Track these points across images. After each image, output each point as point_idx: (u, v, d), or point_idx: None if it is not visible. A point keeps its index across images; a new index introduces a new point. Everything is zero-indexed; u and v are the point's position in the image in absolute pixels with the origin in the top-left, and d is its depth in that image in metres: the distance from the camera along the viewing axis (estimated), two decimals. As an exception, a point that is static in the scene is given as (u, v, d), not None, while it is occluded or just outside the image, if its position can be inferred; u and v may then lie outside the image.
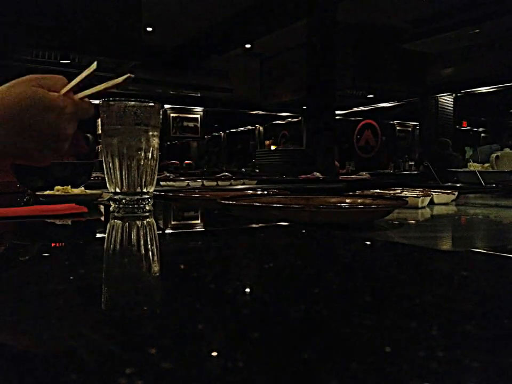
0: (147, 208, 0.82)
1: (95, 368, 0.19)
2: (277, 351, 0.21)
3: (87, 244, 0.56)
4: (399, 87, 7.43)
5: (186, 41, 7.72)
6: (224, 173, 3.14)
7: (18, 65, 4.05)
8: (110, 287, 0.34)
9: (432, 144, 7.13)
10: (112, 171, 0.81)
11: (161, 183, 2.18)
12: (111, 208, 0.82)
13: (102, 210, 0.96)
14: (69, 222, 0.76)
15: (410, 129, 11.00)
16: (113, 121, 0.79)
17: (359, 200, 0.88)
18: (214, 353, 0.20)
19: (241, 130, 12.52)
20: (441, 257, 0.47)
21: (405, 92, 7.73)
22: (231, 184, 2.29)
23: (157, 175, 0.87)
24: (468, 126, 10.73)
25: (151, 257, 0.45)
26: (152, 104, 0.82)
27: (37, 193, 1.01)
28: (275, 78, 8.10)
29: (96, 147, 6.60)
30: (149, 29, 6.85)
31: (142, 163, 0.80)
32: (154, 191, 0.86)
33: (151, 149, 0.81)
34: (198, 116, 10.24)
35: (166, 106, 9.65)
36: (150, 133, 0.81)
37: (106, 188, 0.83)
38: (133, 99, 0.80)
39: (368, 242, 0.52)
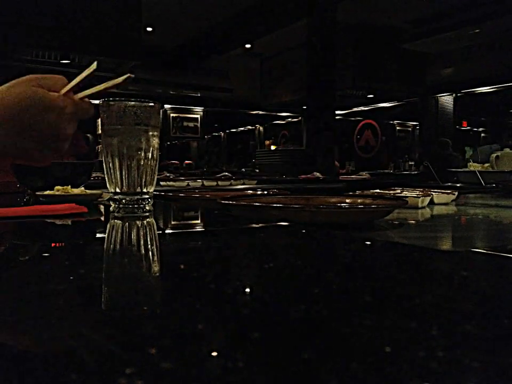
0: (147, 208, 0.82)
1: (95, 368, 0.19)
2: (277, 351, 0.21)
3: (87, 244, 0.56)
4: (399, 87, 7.43)
5: (186, 41, 7.72)
6: (224, 173, 3.14)
7: (18, 65, 4.05)
8: (110, 287, 0.34)
9: (432, 144, 7.13)
10: (112, 171, 0.81)
11: (161, 183, 2.18)
12: (111, 208, 0.82)
13: (102, 210, 0.96)
14: (69, 222, 0.76)
15: (410, 129, 11.00)
16: (113, 121, 0.79)
17: (359, 200, 0.88)
18: (214, 353, 0.20)
19: (241, 130, 12.52)
20: (441, 257, 0.47)
21: (405, 92, 7.74)
22: (231, 184, 2.29)
23: (157, 175, 0.87)
24: (468, 126, 10.73)
25: (151, 257, 0.45)
26: (152, 104, 0.82)
27: (37, 193, 1.01)
28: (275, 78, 8.10)
29: (96, 147, 6.60)
30: (149, 29, 6.85)
31: (142, 163, 0.80)
32: (154, 191, 0.86)
33: (151, 149, 0.82)
34: (198, 116, 10.24)
35: (166, 106, 9.65)
36: (150, 133, 0.81)
37: (106, 187, 0.83)
38: (133, 99, 0.80)
39: (368, 242, 0.52)
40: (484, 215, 1.06)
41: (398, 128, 10.80)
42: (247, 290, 0.32)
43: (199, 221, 0.84)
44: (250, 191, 1.26)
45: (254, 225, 0.72)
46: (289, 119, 11.15)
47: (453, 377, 0.18)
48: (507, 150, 2.15)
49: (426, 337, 0.22)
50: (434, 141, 6.91)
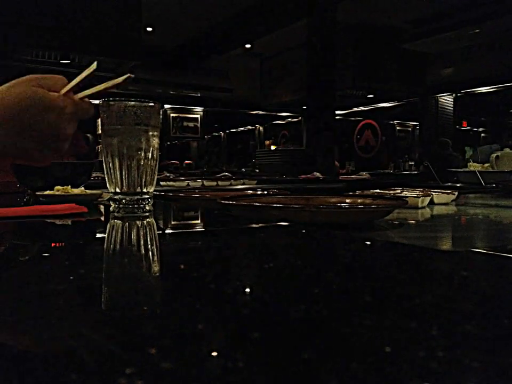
0: (147, 208, 0.82)
1: (95, 368, 0.19)
2: (277, 351, 0.21)
3: (87, 244, 0.56)
4: (399, 87, 7.43)
5: (186, 41, 7.72)
6: (224, 173, 3.14)
7: (18, 65, 4.05)
8: (110, 287, 0.34)
9: (432, 144, 7.13)
10: (112, 171, 0.81)
11: (161, 183, 2.18)
12: (111, 208, 0.82)
13: (102, 210, 0.96)
14: (69, 222, 0.76)
15: (410, 129, 11.00)
16: (113, 121, 0.79)
17: (359, 200, 0.88)
18: (214, 353, 0.20)
19: (241, 130, 12.52)
20: (441, 257, 0.47)
21: (405, 92, 7.74)
22: (231, 184, 2.29)
23: (157, 175, 0.87)
24: (468, 126, 10.73)
25: (151, 257, 0.45)
26: (152, 104, 0.82)
27: (37, 193, 1.01)
28: (275, 78, 8.10)
29: (96, 147, 6.60)
30: (149, 29, 6.85)
31: (142, 163, 0.80)
32: (154, 191, 0.86)
33: (151, 149, 0.82)
34: (198, 116, 10.24)
35: (166, 106, 9.66)
36: (150, 133, 0.81)
37: (106, 187, 0.83)
38: (133, 99, 0.80)
39: (368, 242, 0.52)
40: (484, 215, 1.06)
41: (398, 128, 10.80)
42: (247, 290, 0.32)
43: (199, 221, 0.84)
44: (250, 191, 1.26)
45: (254, 225, 0.72)
46: (289, 119, 11.15)
47: (453, 377, 0.18)
48: (507, 150, 2.15)
49: (426, 337, 0.22)
50: (434, 141, 6.91)
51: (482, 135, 11.25)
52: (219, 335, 0.23)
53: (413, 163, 7.61)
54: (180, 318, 0.26)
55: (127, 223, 0.72)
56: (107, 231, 0.67)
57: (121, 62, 4.30)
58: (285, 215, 0.72)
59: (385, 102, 9.16)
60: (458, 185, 1.91)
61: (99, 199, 1.06)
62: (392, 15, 6.31)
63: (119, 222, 0.74)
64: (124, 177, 0.80)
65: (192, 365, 0.19)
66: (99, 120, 0.85)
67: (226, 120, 11.68)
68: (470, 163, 2.11)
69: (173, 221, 0.85)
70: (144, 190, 0.82)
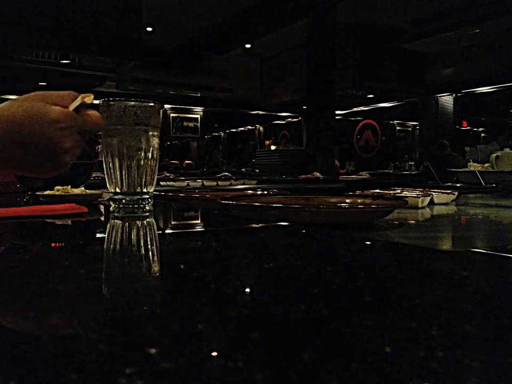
0: (147, 208, 0.82)
1: (95, 368, 0.19)
2: (277, 351, 0.21)
3: (87, 244, 0.56)
4: (399, 87, 7.43)
5: (186, 41, 7.72)
6: (224, 173, 3.14)
7: (18, 65, 4.05)
8: (110, 287, 0.34)
9: (432, 144, 7.13)
10: (112, 171, 0.81)
11: (161, 183, 2.18)
12: (111, 208, 0.82)
13: (102, 210, 0.96)
14: (69, 222, 0.76)
15: (410, 129, 11.00)
16: (113, 121, 0.79)
17: (359, 200, 0.88)
18: (214, 353, 0.20)
19: (241, 130, 12.52)
20: (441, 257, 0.47)
21: (405, 92, 7.74)
22: (231, 184, 2.29)
23: (157, 175, 0.87)
24: (468, 126, 10.73)
25: (151, 257, 0.45)
26: (152, 104, 0.82)
27: (37, 193, 1.01)
28: (275, 78, 8.10)
29: (96, 147, 6.60)
30: (149, 29, 6.84)
31: (142, 163, 0.80)
32: (154, 191, 0.86)
33: (151, 149, 0.81)
34: (198, 116, 10.25)
35: (166, 106, 9.66)
36: (150, 133, 0.81)
37: (106, 187, 0.83)
38: (133, 99, 0.80)
39: (368, 242, 0.52)
40: (484, 215, 1.06)
41: (398, 128, 10.80)
42: (247, 290, 0.32)
43: (199, 221, 0.84)
44: (250, 191, 1.26)
45: (254, 225, 0.72)
46: (289, 119, 11.15)
47: (453, 377, 0.18)
48: (507, 150, 2.15)
49: (426, 337, 0.22)
50: (434, 141, 6.91)
51: (482, 135, 11.25)
52: (219, 335, 0.23)
53: (413, 163, 7.61)
54: (180, 318, 0.26)
55: (127, 223, 0.72)
56: (107, 231, 0.67)
57: (121, 62, 4.30)
58: (285, 215, 0.72)
59: (385, 102, 9.16)
60: (458, 185, 1.91)
61: (99, 199, 1.06)
62: (392, 15, 6.31)
63: (119, 222, 0.74)
64: (124, 177, 0.80)
65: (192, 365, 0.19)
66: (99, 120, 0.85)
67: (226, 120, 11.68)
68: (470, 163, 2.11)
69: (173, 221, 0.85)
70: (144, 190, 0.82)
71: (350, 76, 6.77)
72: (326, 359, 0.20)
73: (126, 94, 7.48)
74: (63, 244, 0.56)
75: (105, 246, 0.53)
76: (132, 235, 0.60)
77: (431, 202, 1.12)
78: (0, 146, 0.58)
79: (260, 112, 10.94)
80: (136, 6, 4.20)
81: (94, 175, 1.68)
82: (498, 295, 0.32)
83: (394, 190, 1.24)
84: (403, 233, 0.76)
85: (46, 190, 1.02)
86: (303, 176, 3.33)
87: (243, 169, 6.54)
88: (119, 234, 0.61)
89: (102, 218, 0.88)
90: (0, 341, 0.23)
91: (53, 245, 0.55)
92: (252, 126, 12.18)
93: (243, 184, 2.35)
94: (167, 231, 0.68)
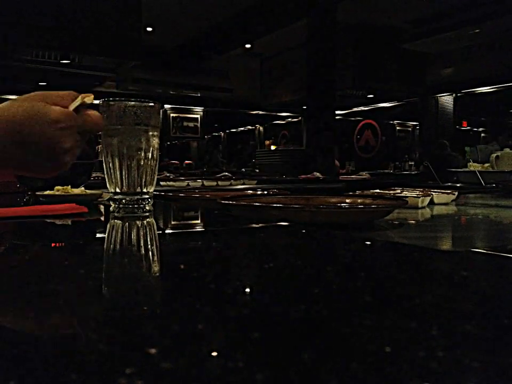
0: (147, 208, 0.82)
1: (95, 368, 0.19)
2: (277, 351, 0.21)
3: (87, 244, 0.56)
4: (399, 87, 7.43)
5: (186, 41, 7.72)
6: (224, 173, 3.14)
7: (18, 65, 4.05)
8: (110, 287, 0.34)
9: (432, 144, 7.14)
10: (112, 171, 0.81)
11: (161, 183, 2.18)
12: (111, 208, 0.82)
13: (102, 210, 0.96)
14: (69, 222, 0.76)
15: (410, 129, 11.00)
16: (113, 121, 0.79)
17: (359, 200, 0.88)
18: (214, 353, 0.20)
19: (241, 130, 12.52)
20: (441, 257, 0.47)
21: (405, 92, 7.74)
22: (231, 184, 2.29)
23: (157, 175, 0.87)
24: (468, 126, 10.73)
25: (151, 257, 0.45)
26: (152, 104, 0.82)
27: (37, 193, 1.01)
28: (275, 78, 8.10)
29: (96, 147, 6.60)
30: (149, 29, 6.84)
31: (142, 163, 0.80)
32: (154, 191, 0.86)
33: (151, 149, 0.81)
34: (198, 116, 10.25)
35: (166, 106, 9.66)
36: (150, 133, 0.81)
37: (106, 187, 0.83)
38: (133, 99, 0.80)
39: (368, 242, 0.52)
40: (484, 215, 1.06)
41: (398, 128, 10.80)
42: (247, 290, 0.32)
43: (199, 221, 0.84)
44: (250, 191, 1.26)
45: (254, 225, 0.72)
46: (289, 119, 11.15)
47: (453, 377, 0.18)
48: (507, 150, 2.15)
49: (426, 337, 0.22)
50: (434, 141, 6.91)
51: (482, 135, 11.25)
52: (219, 335, 0.23)
53: (413, 163, 7.61)
54: (180, 318, 0.26)
55: (127, 223, 0.72)
56: (107, 231, 0.67)
57: (121, 62, 4.30)
58: (285, 215, 0.72)
59: (385, 102, 9.16)
60: (458, 185, 1.91)
61: (99, 199, 1.06)
62: (392, 15, 6.31)
63: (119, 222, 0.74)
64: (124, 177, 0.80)
65: (192, 365, 0.19)
66: (99, 120, 0.85)
67: (226, 120, 11.68)
68: (470, 163, 2.11)
69: (173, 221, 0.85)
70: (144, 190, 0.82)
71: (350, 76, 6.77)
72: (326, 359, 0.20)
73: (126, 94, 7.48)
74: (63, 243, 0.56)
75: (105, 246, 0.53)
76: (132, 235, 0.60)
77: (431, 202, 1.12)
78: (0, 146, 0.58)
79: (260, 112, 10.94)
80: (136, 6, 4.20)
81: (94, 175, 1.68)
82: (498, 295, 0.32)
83: (394, 190, 1.24)
84: (403, 233, 0.76)
85: (46, 190, 1.02)
86: (303, 176, 3.33)
87: (243, 169, 6.54)
88: (119, 234, 0.61)
89: (102, 218, 0.88)
90: (0, 341, 0.23)
91: (53, 245, 0.55)
92: (252, 126, 12.18)
93: (243, 184, 2.35)
94: (167, 231, 0.68)
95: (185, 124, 10.12)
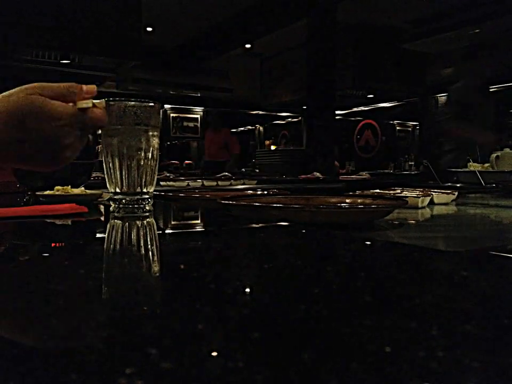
0: (147, 208, 0.82)
1: (95, 368, 0.19)
2: (277, 351, 0.21)
3: (87, 244, 0.56)
4: (399, 87, 7.43)
5: (186, 41, 7.72)
6: (224, 173, 3.14)
7: (18, 65, 4.05)
8: (110, 287, 0.34)
9: (432, 144, 7.13)
10: (112, 171, 0.81)
11: (161, 183, 2.18)
12: (111, 208, 0.82)
13: (102, 210, 0.96)
14: (69, 222, 0.76)
15: (410, 129, 11.00)
16: (113, 121, 0.79)
17: (359, 200, 0.88)
18: (214, 353, 0.20)
19: (241, 130, 12.52)
20: (441, 257, 0.47)
21: (405, 92, 7.73)
22: (231, 184, 2.29)
23: (157, 175, 0.87)
24: (467, 126, 10.72)
25: (151, 257, 0.45)
26: (152, 104, 0.82)
27: (37, 193, 1.01)
28: (275, 78, 8.10)
29: (96, 147, 6.60)
30: (149, 29, 6.84)
31: (142, 163, 0.80)
32: (154, 191, 0.86)
33: (151, 149, 0.81)
34: (198, 116, 10.24)
35: (166, 106, 9.65)
36: (150, 133, 0.81)
37: (106, 187, 0.83)
38: (133, 99, 0.80)
39: (368, 242, 0.52)
40: (484, 215, 1.06)
41: (398, 128, 10.80)
42: (247, 290, 0.32)
43: (199, 221, 0.84)
44: (250, 191, 1.26)
45: (254, 225, 0.72)
46: (289, 119, 11.15)
47: (453, 377, 0.18)
48: (507, 150, 2.15)
49: (426, 337, 0.22)
50: (434, 141, 6.91)
51: (482, 135, 11.23)
52: (219, 335, 0.23)
53: (413, 163, 7.60)
54: (180, 318, 0.26)
55: (127, 223, 0.72)
56: (107, 231, 0.67)
57: (121, 62, 4.30)
58: (285, 215, 0.72)
59: (385, 102, 9.15)
60: (458, 185, 1.91)
61: (99, 199, 1.06)
62: (392, 15, 6.31)
63: (119, 222, 0.74)
64: (124, 177, 0.80)
65: (192, 365, 0.19)
66: (99, 120, 0.85)
67: (226, 120, 11.67)
68: (470, 163, 2.11)
69: (173, 221, 0.85)
70: (144, 190, 0.82)
71: (350, 75, 6.77)
72: (326, 359, 0.20)
73: (126, 94, 7.47)
74: (63, 243, 0.56)
75: (105, 246, 0.53)
76: (132, 235, 0.60)
77: (431, 202, 1.12)
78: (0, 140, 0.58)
79: (260, 112, 10.94)
80: (136, 6, 4.20)
81: (94, 175, 1.68)
82: (498, 295, 0.32)
83: (394, 190, 1.24)
84: (403, 233, 0.76)
85: (46, 190, 1.02)
86: (303, 176, 3.33)
87: (243, 169, 6.54)
88: (119, 234, 0.61)
89: (102, 218, 0.88)
90: (0, 341, 0.23)
91: (53, 245, 0.55)
92: (251, 126, 12.18)
93: (243, 184, 2.34)
94: (167, 231, 0.68)
95: (185, 123, 10.11)
